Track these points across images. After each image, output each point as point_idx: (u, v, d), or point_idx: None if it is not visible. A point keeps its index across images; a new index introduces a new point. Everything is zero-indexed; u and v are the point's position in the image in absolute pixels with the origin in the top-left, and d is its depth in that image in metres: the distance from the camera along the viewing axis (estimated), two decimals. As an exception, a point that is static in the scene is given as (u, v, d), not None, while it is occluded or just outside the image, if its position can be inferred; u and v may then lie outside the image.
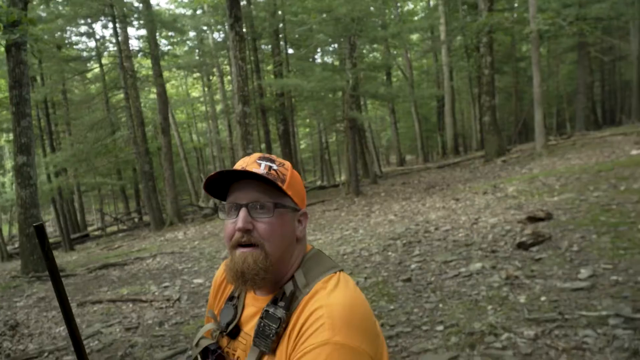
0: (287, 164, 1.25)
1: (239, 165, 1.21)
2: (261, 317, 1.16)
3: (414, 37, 31.04)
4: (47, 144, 19.71)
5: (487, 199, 10.36)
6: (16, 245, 23.36)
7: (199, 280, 7.38)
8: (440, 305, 4.55)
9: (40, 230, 0.89)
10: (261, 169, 1.17)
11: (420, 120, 30.98)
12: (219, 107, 29.76)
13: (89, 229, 25.71)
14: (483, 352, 3.41)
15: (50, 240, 12.51)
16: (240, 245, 1.17)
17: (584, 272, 4.70)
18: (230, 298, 1.35)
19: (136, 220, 25.19)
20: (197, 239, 12.38)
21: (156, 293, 6.97)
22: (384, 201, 13.50)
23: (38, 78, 19.30)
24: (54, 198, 18.59)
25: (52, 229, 25.29)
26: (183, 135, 32.24)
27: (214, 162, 30.93)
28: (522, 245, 6.02)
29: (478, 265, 5.61)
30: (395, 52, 28.09)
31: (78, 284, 8.63)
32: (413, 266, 6.14)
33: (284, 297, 1.17)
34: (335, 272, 1.19)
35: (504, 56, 26.40)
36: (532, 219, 7.21)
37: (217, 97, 29.56)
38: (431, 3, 29.76)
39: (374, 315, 1.15)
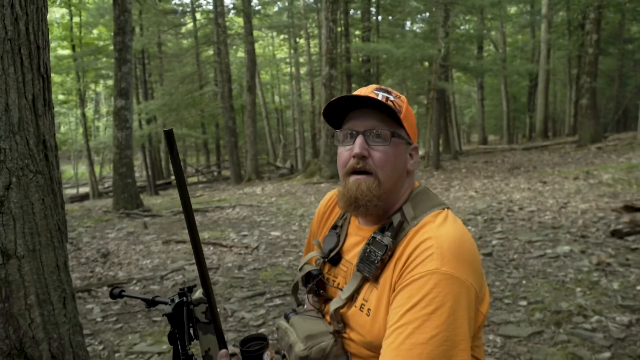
0: (403, 97, 1.24)
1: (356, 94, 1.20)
2: (367, 243, 1.17)
3: (512, 10, 29.39)
4: (141, 93, 20.70)
5: (577, 184, 9.82)
6: (106, 185, 25.03)
7: (276, 233, 7.58)
8: (524, 282, 4.41)
9: (169, 135, 0.92)
10: (379, 98, 1.16)
11: (509, 99, 29.62)
12: (303, 70, 29.90)
13: (171, 178, 27.00)
14: (570, 331, 3.27)
15: (137, 186, 13.22)
16: (355, 172, 1.18)
17: (687, 267, 4.37)
18: (334, 227, 1.37)
19: (215, 174, 26.15)
20: (274, 195, 12.68)
21: (235, 240, 7.25)
22: (465, 177, 13.15)
23: (137, 29, 20.17)
24: (143, 144, 19.62)
25: (138, 174, 26.75)
26: (266, 96, 32.77)
27: (294, 124, 31.29)
28: (616, 233, 5.67)
29: (566, 248, 5.37)
30: (489, 25, 26.78)
31: (163, 224, 9.14)
32: (494, 242, 5.98)
33: (391, 227, 1.17)
34: (443, 209, 1.19)
35: (610, 36, 24.41)
36: (630, 208, 6.76)
37: (302, 59, 29.66)
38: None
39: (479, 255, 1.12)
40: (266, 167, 25.07)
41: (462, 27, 25.34)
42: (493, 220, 7.24)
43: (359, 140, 1.16)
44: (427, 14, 21.01)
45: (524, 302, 3.88)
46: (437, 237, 1.07)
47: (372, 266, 1.14)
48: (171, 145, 0.93)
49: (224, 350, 1.09)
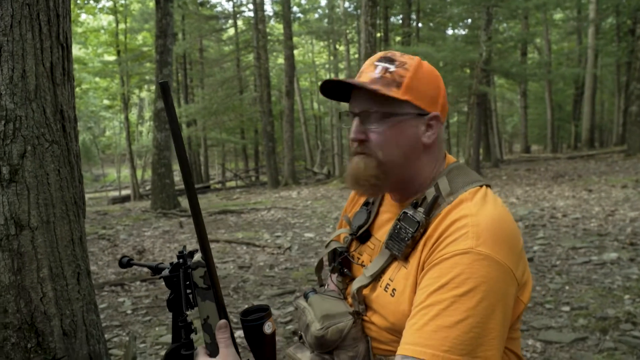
0: (411, 62, 1.09)
1: (363, 66, 1.13)
2: (398, 219, 1.07)
3: (557, 16, 28.61)
4: (182, 97, 21.10)
5: (626, 192, 9.37)
6: (147, 187, 25.55)
7: (310, 235, 7.50)
8: (567, 287, 4.17)
9: (165, 86, 0.88)
10: (376, 72, 1.07)
11: (554, 107, 28.78)
12: (342, 76, 29.90)
13: (210, 182, 27.36)
14: (617, 338, 3.04)
15: (175, 188, 13.37)
16: (357, 153, 1.12)
17: None
18: (366, 203, 1.29)
19: (253, 178, 26.33)
20: (309, 199, 12.62)
21: (268, 240, 7.20)
22: (505, 184, 12.77)
23: (180, 35, 20.61)
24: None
25: (177, 178, 27.22)
26: (305, 102, 32.91)
27: (332, 131, 31.26)
28: (669, 241, 5.33)
29: (613, 255, 5.07)
30: (534, 31, 26.15)
31: (198, 223, 9.18)
32: (536, 248, 5.72)
33: (425, 201, 1.06)
34: (482, 186, 1.07)
35: (662, 42, 23.40)
36: (683, 216, 6.37)
37: (342, 65, 29.68)
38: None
39: (522, 239, 1.00)
40: (303, 173, 25.11)
41: (505, 34, 24.84)
42: (535, 227, 6.95)
43: (355, 124, 1.10)
44: (469, 20, 20.69)
45: (566, 308, 3.65)
46: (474, 214, 0.97)
47: (402, 244, 1.04)
48: (166, 98, 0.89)
49: (223, 321, 1.00)
